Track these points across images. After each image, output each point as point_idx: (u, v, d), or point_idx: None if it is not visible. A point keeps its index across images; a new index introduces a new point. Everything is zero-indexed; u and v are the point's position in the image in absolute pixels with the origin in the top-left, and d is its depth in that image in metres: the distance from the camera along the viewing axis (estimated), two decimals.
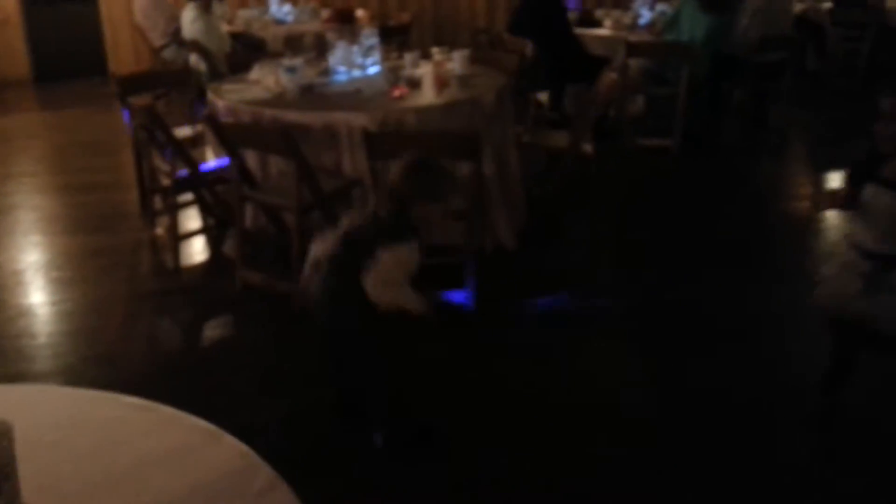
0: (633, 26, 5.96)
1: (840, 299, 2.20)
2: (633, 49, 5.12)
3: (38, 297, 3.46)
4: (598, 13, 6.55)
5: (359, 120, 3.19)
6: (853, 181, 2.18)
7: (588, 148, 4.10)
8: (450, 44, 5.11)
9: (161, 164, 3.70)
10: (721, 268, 3.49)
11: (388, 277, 2.07)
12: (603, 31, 5.91)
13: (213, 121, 3.21)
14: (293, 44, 5.83)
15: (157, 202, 4.03)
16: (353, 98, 3.53)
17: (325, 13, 7.15)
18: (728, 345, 2.90)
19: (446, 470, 2.28)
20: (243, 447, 1.24)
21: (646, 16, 6.09)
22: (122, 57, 8.18)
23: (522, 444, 2.38)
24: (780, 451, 2.33)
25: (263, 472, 1.18)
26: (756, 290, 3.27)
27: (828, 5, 7.16)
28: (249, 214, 3.78)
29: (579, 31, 5.80)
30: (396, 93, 3.49)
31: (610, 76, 3.79)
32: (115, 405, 1.39)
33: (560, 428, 2.46)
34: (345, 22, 6.49)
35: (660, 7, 6.20)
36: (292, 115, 3.31)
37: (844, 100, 6.51)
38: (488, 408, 2.57)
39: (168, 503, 1.14)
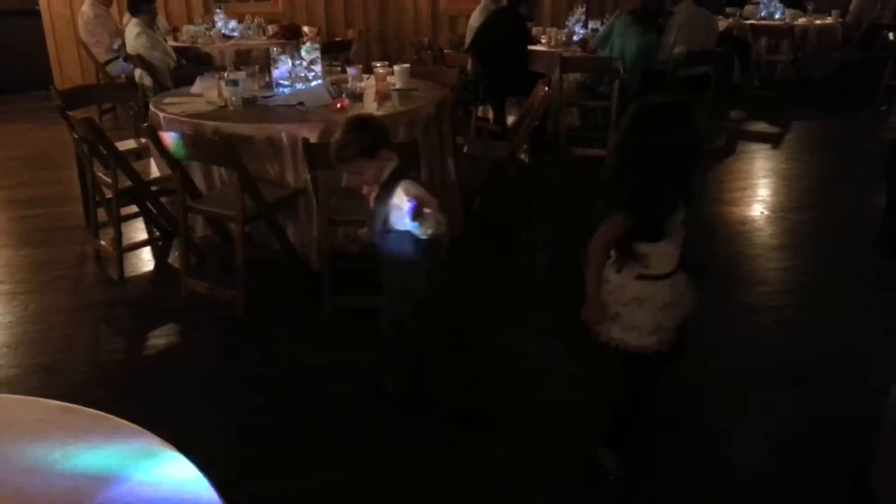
0: (568, 43, 6.24)
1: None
2: (566, 64, 5.35)
3: None
4: (535, 31, 6.83)
5: (301, 131, 3.25)
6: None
7: (524, 157, 4.28)
8: (395, 59, 5.26)
9: (104, 177, 3.73)
10: None
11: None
12: (539, 48, 6.16)
13: (153, 132, 3.26)
14: (242, 59, 5.93)
15: (101, 214, 4.04)
16: (296, 110, 3.58)
17: (272, 29, 7.26)
18: None
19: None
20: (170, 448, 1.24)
21: (579, 33, 6.38)
22: (68, 72, 8.12)
23: None
24: None
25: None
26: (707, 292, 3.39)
27: (751, 22, 7.57)
28: (197, 225, 3.84)
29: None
30: (338, 105, 3.57)
31: (542, 88, 3.98)
32: (35, 408, 1.38)
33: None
34: (291, 38, 6.59)
35: (592, 24, 6.50)
36: (234, 127, 3.35)
37: (764, 110, 6.92)
38: None
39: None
